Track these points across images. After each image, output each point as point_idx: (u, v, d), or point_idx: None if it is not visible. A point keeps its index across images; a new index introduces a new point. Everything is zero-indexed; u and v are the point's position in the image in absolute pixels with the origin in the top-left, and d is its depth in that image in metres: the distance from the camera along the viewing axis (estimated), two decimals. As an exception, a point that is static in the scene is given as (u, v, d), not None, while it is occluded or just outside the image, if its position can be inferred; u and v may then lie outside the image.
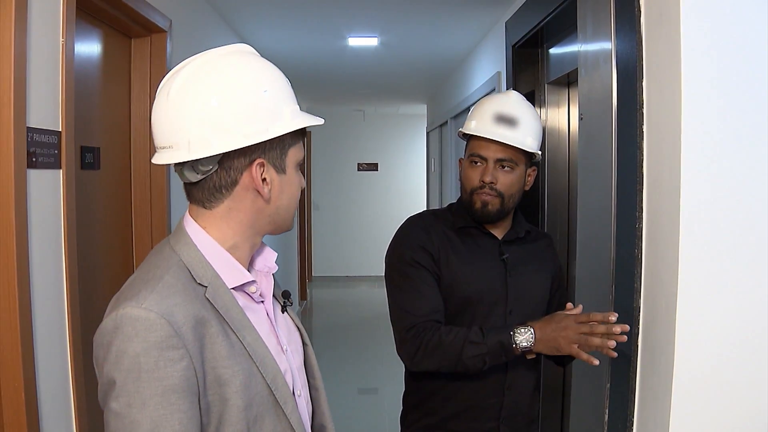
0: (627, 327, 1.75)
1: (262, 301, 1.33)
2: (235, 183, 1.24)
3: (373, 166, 11.97)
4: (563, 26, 3.17)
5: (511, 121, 2.02)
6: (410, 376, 2.16)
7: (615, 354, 1.79)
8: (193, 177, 1.23)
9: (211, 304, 1.20)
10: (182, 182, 1.27)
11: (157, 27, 3.03)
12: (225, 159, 1.21)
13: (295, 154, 1.30)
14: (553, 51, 3.49)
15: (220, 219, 1.26)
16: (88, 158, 2.57)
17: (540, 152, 2.08)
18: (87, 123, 2.56)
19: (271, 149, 1.25)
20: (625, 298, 2.02)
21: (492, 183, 2.01)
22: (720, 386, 1.74)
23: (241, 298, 1.27)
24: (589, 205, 2.37)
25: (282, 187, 1.29)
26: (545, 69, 3.58)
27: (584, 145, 2.42)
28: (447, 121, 7.24)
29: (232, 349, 1.19)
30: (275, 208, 1.29)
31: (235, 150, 1.20)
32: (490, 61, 4.70)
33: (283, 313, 1.42)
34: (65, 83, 2.13)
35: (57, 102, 2.11)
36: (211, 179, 1.23)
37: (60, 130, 2.11)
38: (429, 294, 2.00)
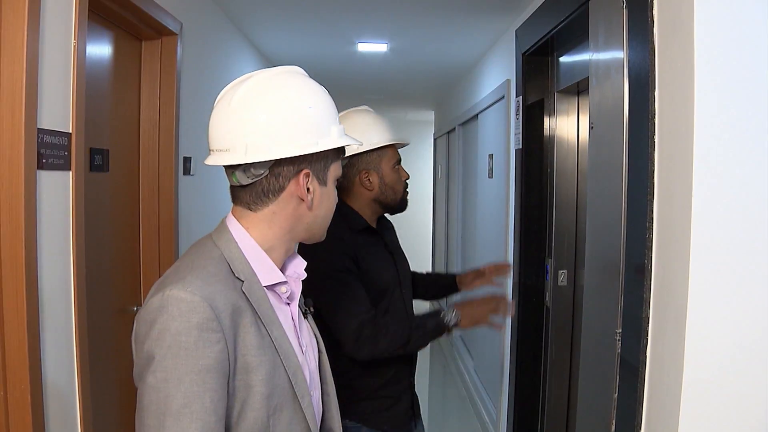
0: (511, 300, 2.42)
1: (289, 303, 1.43)
2: (282, 189, 1.36)
3: (380, 172, 11.90)
4: (574, 35, 3.16)
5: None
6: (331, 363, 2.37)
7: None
8: (244, 180, 1.34)
9: (246, 297, 1.29)
10: (230, 184, 1.38)
11: (167, 30, 3.03)
12: (275, 166, 1.33)
13: (335, 169, 1.43)
14: (563, 59, 3.48)
15: (263, 222, 1.37)
16: (97, 160, 2.57)
17: None
18: (96, 125, 2.56)
19: (317, 162, 1.37)
20: (634, 308, 2.01)
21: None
22: (730, 399, 1.73)
23: (271, 297, 1.36)
24: (599, 213, 2.36)
25: (322, 197, 1.41)
26: (555, 77, 3.57)
27: (594, 154, 2.41)
28: (455, 128, 7.24)
29: (262, 340, 1.28)
30: (314, 217, 1.42)
31: (285, 158, 1.32)
32: (500, 69, 4.70)
33: (305, 318, 1.52)
34: (76, 85, 2.14)
35: (68, 103, 2.11)
36: (261, 184, 1.35)
37: (70, 131, 2.11)
38: (363, 295, 2.28)
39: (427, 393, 6.45)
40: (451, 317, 2.26)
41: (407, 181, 2.52)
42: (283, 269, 1.43)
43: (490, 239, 5.11)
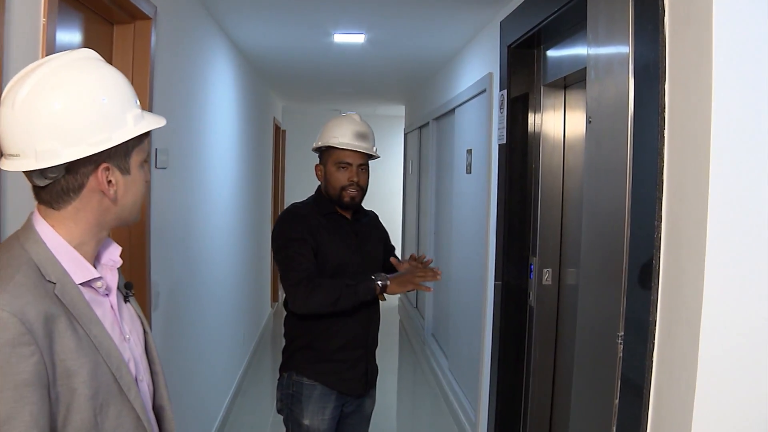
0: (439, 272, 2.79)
1: (107, 294, 1.42)
2: (82, 186, 1.32)
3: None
4: (563, 27, 3.08)
5: (365, 136, 2.87)
6: (296, 324, 2.83)
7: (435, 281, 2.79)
8: (41, 182, 1.30)
9: (60, 300, 1.27)
10: (30, 184, 1.34)
11: (141, 13, 2.88)
12: (72, 165, 1.29)
13: (138, 154, 1.41)
14: (550, 53, 3.39)
15: (68, 219, 1.34)
16: (66, 150, 2.41)
17: (379, 155, 2.96)
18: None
19: (116, 153, 1.34)
20: (638, 310, 1.93)
21: (357, 181, 2.83)
22: (749, 417, 1.64)
23: (87, 292, 1.35)
24: (597, 210, 2.27)
25: (127, 186, 1.39)
26: (541, 71, 3.48)
27: (593, 149, 2.32)
28: (429, 123, 7.14)
29: (80, 342, 1.27)
30: (121, 207, 1.39)
31: (80, 157, 1.29)
32: (482, 62, 4.60)
33: (126, 303, 1.51)
34: (46, 68, 1.98)
35: (37, 88, 1.95)
36: (59, 183, 1.31)
37: (39, 118, 1.96)
38: (306, 259, 2.71)
39: (395, 392, 6.36)
40: (380, 282, 2.69)
41: (360, 184, 2.86)
42: (97, 258, 1.43)
43: (468, 235, 5.02)
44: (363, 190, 2.88)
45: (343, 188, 2.83)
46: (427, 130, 7.38)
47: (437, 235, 6.95)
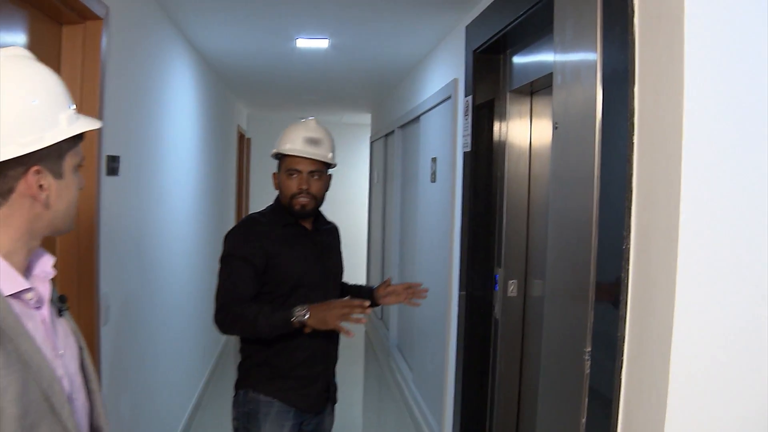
0: (367, 305, 2.51)
1: (39, 307, 1.33)
2: (11, 191, 1.26)
3: (314, 175, 11.63)
4: (529, 31, 3.00)
5: (317, 142, 2.72)
6: (252, 340, 2.71)
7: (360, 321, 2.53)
8: None
9: None
10: None
11: (92, 13, 2.74)
12: (0, 167, 1.23)
13: (72, 158, 1.34)
14: (516, 58, 3.32)
15: None
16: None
17: (336, 162, 2.81)
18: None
19: (48, 155, 1.28)
20: (606, 325, 1.84)
21: (307, 189, 2.70)
22: (722, 421, 1.56)
23: (17, 305, 1.26)
24: (564, 220, 2.18)
25: (60, 191, 1.32)
26: (508, 77, 3.40)
27: (559, 156, 2.23)
28: (394, 131, 7.07)
29: (8, 358, 1.18)
30: (53, 213, 1.33)
31: (9, 159, 1.22)
32: (447, 67, 4.52)
33: (60, 317, 1.42)
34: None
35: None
36: None
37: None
38: (242, 282, 2.63)
39: (360, 405, 6.25)
40: (299, 315, 2.49)
41: (311, 191, 2.72)
42: (29, 269, 1.35)
43: (433, 245, 4.93)
44: (315, 198, 2.74)
45: (293, 196, 2.71)
46: (393, 138, 7.31)
47: (402, 245, 6.86)
